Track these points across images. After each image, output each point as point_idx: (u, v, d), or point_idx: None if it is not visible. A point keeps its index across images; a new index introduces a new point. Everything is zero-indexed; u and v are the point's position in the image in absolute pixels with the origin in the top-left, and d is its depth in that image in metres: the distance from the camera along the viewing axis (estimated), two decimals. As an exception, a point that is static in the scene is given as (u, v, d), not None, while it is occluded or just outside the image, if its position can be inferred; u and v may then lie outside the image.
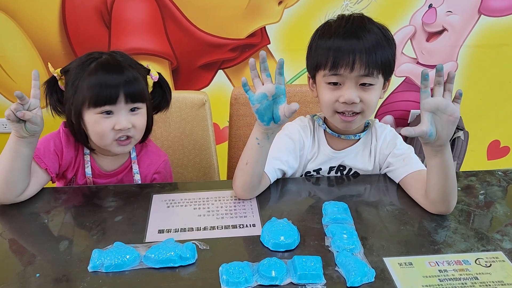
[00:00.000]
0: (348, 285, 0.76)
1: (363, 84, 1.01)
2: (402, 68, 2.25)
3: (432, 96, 0.86)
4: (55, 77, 1.09)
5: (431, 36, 2.21)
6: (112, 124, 1.04)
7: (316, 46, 1.04)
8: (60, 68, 1.08)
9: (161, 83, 1.15)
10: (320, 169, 1.15)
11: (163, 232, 0.90)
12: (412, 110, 2.37)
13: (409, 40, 2.22)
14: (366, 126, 1.15)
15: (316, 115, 1.18)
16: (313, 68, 1.06)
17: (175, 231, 0.91)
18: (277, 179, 1.10)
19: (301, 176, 1.17)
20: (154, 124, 1.24)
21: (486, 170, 1.15)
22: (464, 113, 2.31)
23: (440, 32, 2.20)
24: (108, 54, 1.08)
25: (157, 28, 2.06)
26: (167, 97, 1.18)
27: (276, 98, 0.91)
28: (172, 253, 0.81)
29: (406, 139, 1.16)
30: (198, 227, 0.92)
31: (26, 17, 1.99)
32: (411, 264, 0.83)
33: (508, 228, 0.93)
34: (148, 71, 1.13)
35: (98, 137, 1.06)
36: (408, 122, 2.38)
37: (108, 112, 1.04)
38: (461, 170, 2.02)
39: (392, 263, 0.82)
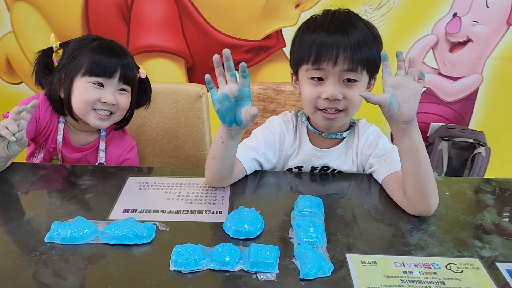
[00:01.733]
0: (300, 277, 0.73)
1: (347, 80, 0.97)
2: (423, 79, 2.18)
3: None
4: (51, 48, 1.14)
5: (455, 46, 2.13)
6: (99, 95, 1.10)
7: (299, 40, 1.01)
8: (61, 42, 1.15)
9: (145, 82, 1.24)
10: (302, 166, 1.11)
11: (128, 212, 0.90)
12: (432, 123, 2.27)
13: (431, 49, 2.14)
14: (351, 126, 1.10)
15: (300, 111, 1.14)
16: (296, 63, 1.03)
17: (140, 212, 0.90)
18: (257, 171, 1.07)
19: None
20: (150, 115, 1.33)
21: (483, 178, 1.09)
22: (487, 128, 2.20)
23: (464, 43, 2.11)
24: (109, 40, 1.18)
25: (175, 27, 2.09)
26: (148, 94, 1.25)
27: (239, 100, 0.87)
28: (128, 230, 0.80)
29: (392, 139, 1.10)
30: (163, 210, 0.91)
31: (52, 11, 2.08)
32: (374, 262, 0.78)
33: (492, 237, 0.86)
34: (138, 68, 1.21)
35: (81, 104, 1.11)
36: (428, 135, 2.29)
37: (100, 85, 1.10)
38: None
39: (354, 260, 0.78)
